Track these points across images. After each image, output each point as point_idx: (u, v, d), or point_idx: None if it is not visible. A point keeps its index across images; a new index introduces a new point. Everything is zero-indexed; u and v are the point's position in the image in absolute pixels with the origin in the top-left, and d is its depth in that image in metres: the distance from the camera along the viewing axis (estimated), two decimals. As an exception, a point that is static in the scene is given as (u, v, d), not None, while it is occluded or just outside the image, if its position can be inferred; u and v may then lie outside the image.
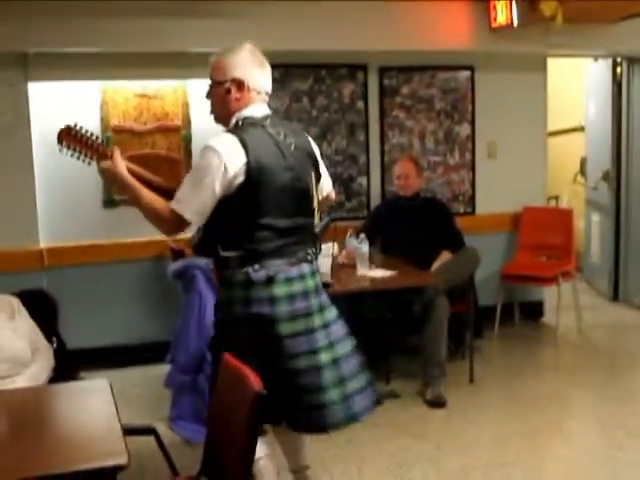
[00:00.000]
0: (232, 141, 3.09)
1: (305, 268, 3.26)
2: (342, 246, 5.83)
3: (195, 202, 3.05)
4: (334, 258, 5.55)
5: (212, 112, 3.33)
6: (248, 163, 3.06)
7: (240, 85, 3.20)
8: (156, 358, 5.63)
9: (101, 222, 6.31)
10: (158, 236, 6.19)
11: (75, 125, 3.21)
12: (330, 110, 6.96)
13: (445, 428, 5.04)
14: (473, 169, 7.38)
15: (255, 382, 2.70)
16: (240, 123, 3.19)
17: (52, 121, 6.07)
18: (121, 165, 3.14)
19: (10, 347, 3.57)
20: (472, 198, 7.41)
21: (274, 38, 6.11)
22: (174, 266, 5.29)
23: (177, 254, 5.69)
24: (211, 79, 3.30)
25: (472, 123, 7.34)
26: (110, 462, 2.47)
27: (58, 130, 3.19)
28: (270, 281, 3.14)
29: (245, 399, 2.69)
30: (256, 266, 3.13)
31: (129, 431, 2.86)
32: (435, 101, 7.23)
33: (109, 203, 6.34)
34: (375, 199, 7.09)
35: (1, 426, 2.95)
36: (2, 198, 5.97)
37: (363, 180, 7.10)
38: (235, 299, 3.16)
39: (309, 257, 3.30)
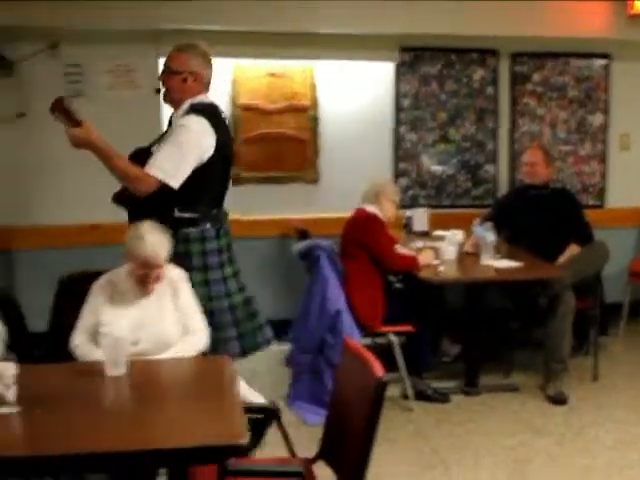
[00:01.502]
0: (205, 122, 3.78)
1: (228, 226, 4.09)
2: (468, 234, 5.74)
3: (180, 172, 3.70)
4: (460, 246, 5.48)
5: (166, 94, 3.99)
6: (217, 140, 3.81)
7: (196, 77, 3.91)
8: (278, 336, 5.65)
9: (228, 198, 6.37)
10: (283, 215, 6.34)
11: (64, 98, 3.66)
12: (459, 95, 6.85)
13: (565, 425, 4.91)
14: (604, 160, 7.15)
15: (377, 369, 2.67)
16: (199, 107, 3.84)
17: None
18: (94, 132, 3.63)
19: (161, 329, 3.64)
20: (602, 191, 7.18)
21: (404, 21, 6.05)
22: (299, 246, 5.31)
23: (302, 234, 5.71)
24: (169, 67, 3.94)
25: (605, 113, 7.10)
26: (230, 441, 2.48)
27: (53, 100, 3.61)
28: (217, 235, 3.96)
29: (367, 385, 2.67)
30: (208, 224, 3.89)
31: (249, 410, 2.88)
32: (568, 89, 7.02)
33: (235, 180, 6.40)
34: (502, 187, 6.96)
35: (129, 394, 3.03)
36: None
37: (490, 168, 6.97)
38: (192, 252, 3.86)
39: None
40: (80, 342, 3.57)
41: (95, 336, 3.52)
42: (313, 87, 6.50)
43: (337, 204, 6.29)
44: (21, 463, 2.39)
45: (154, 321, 3.58)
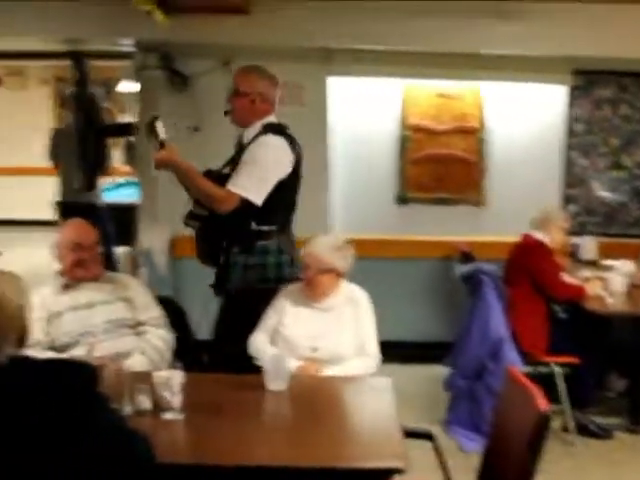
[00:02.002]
0: (284, 141, 3.92)
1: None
2: (639, 265, 5.52)
3: (263, 190, 3.82)
4: (630, 277, 5.27)
5: (234, 115, 4.04)
6: (295, 159, 3.95)
7: (264, 98, 3.98)
8: (437, 358, 5.60)
9: (392, 218, 6.40)
10: (447, 236, 6.28)
11: (157, 118, 3.82)
12: (633, 120, 6.60)
13: None
14: None
15: (541, 402, 2.60)
16: (275, 127, 3.95)
17: (349, 115, 6.26)
18: (176, 153, 3.77)
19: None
20: None
21: (578, 43, 5.88)
22: (462, 269, 5.25)
23: (466, 257, 5.64)
24: (238, 89, 3.99)
25: None
26: (389, 464, 2.47)
27: (150, 118, 3.80)
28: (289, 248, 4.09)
29: (529, 418, 2.60)
30: (282, 237, 4.02)
31: (407, 433, 2.85)
32: None
33: (401, 200, 6.42)
34: (677, 218, 6.66)
35: (289, 409, 3.07)
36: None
37: (665, 197, 6.68)
38: (269, 264, 3.97)
39: None
40: (258, 339, 3.75)
41: (274, 336, 3.73)
42: (482, 108, 6.42)
43: (503, 228, 6.18)
44: (184, 470, 2.46)
45: (333, 334, 3.69)
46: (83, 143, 6.11)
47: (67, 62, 10.13)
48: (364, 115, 6.35)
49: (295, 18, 5.65)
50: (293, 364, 3.45)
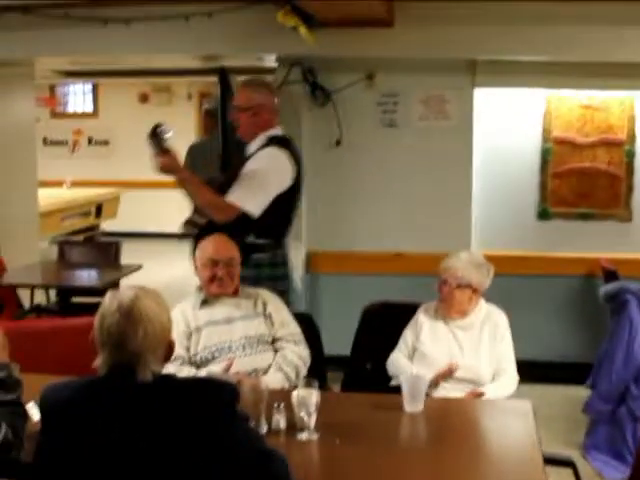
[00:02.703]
0: (286, 154, 3.97)
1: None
2: None
3: (261, 202, 3.89)
4: None
5: (240, 131, 4.14)
6: (295, 172, 3.98)
7: (265, 109, 4.06)
8: (576, 379, 5.41)
9: (533, 234, 6.24)
10: (591, 253, 6.07)
11: (162, 126, 3.88)
12: None
13: None
14: None
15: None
16: (278, 140, 4.02)
17: (490, 128, 6.14)
18: (178, 160, 3.88)
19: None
20: None
21: None
22: (606, 287, 5.05)
23: (610, 275, 5.43)
24: (238, 105, 4.09)
25: None
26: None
27: (155, 125, 3.84)
28: (284, 262, 4.19)
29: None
30: (277, 251, 4.09)
31: (546, 459, 2.75)
32: None
33: (543, 215, 6.25)
34: None
35: (425, 433, 3.01)
36: (439, 199, 6.12)
37: None
38: (262, 277, 3.99)
39: None
40: (395, 357, 3.74)
41: (412, 355, 3.71)
42: (632, 119, 6.17)
43: (650, 245, 5.94)
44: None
45: (471, 352, 3.65)
46: (225, 157, 6.20)
47: (211, 78, 10.48)
48: (505, 127, 6.22)
49: (440, 30, 5.58)
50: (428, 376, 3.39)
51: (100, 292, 6.19)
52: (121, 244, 6.72)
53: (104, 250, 6.76)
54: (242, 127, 4.17)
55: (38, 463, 2.30)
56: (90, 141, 13.12)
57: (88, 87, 13.12)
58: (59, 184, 10.75)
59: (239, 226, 3.94)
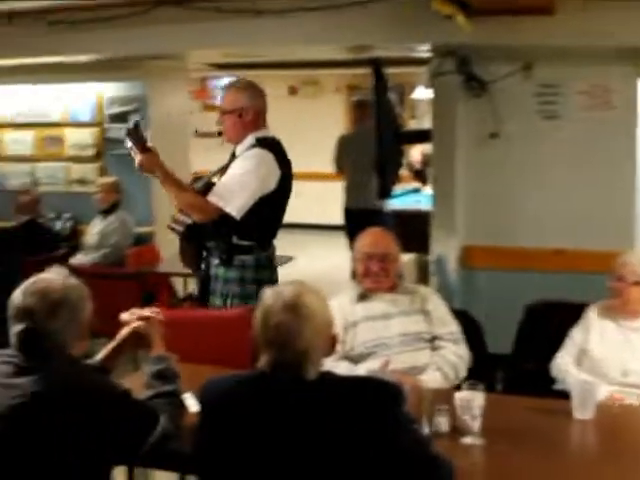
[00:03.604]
0: (271, 157, 3.86)
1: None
2: None
3: (243, 203, 3.79)
4: None
5: (226, 134, 4.02)
6: (281, 175, 3.89)
7: (249, 111, 3.93)
8: None
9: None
10: None
11: (139, 122, 3.79)
12: None
13: None
14: None
15: None
16: (265, 142, 3.90)
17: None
18: (159, 160, 3.75)
19: None
20: None
21: None
22: None
23: None
24: (223, 108, 4.00)
25: None
26: None
27: (131, 125, 3.72)
28: (270, 265, 4.08)
29: None
30: (262, 253, 4.00)
31: None
32: None
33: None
34: None
35: (596, 443, 2.84)
36: (601, 194, 5.83)
37: None
38: (246, 279, 3.94)
39: None
40: (563, 360, 3.55)
41: (580, 357, 3.52)
42: None
43: None
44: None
45: None
46: (381, 150, 6.11)
47: (360, 70, 10.42)
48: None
49: (603, 17, 5.28)
50: (602, 390, 3.18)
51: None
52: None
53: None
54: (227, 129, 4.04)
55: (196, 456, 2.27)
56: (241, 132, 13.31)
57: (238, 80, 13.32)
58: (210, 176, 10.95)
59: (222, 227, 3.90)
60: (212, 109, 13.37)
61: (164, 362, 2.72)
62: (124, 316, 2.88)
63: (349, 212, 7.68)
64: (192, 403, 2.85)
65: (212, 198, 3.86)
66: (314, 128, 12.27)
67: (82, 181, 7.77)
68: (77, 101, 7.74)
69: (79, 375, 2.43)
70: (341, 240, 7.96)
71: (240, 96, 3.99)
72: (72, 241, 7.21)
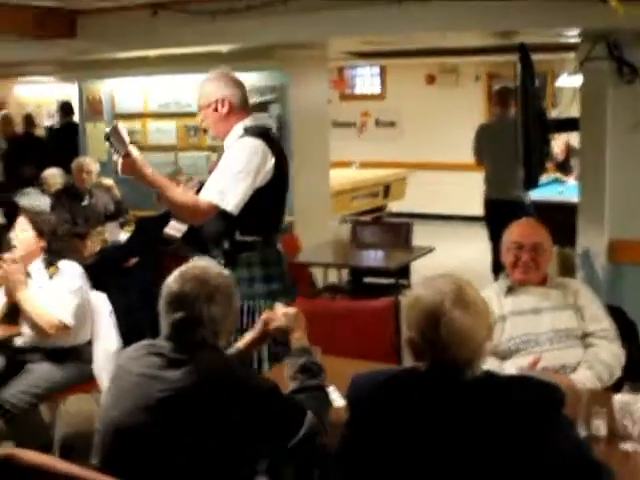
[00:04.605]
0: (263, 144, 3.57)
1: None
2: None
3: (238, 196, 3.50)
4: None
5: (211, 130, 3.77)
6: (276, 163, 3.59)
7: (224, 101, 3.65)
8: None
9: None
10: None
11: (120, 126, 3.46)
12: None
13: None
14: None
15: None
16: (254, 130, 3.61)
17: None
18: (143, 162, 3.44)
19: None
20: None
21: None
22: None
23: None
24: (199, 105, 3.74)
25: None
26: None
27: (109, 129, 3.43)
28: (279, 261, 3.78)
29: None
30: (269, 248, 3.71)
31: None
32: None
33: None
34: None
35: None
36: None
37: None
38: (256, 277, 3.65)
39: None
40: None
41: None
42: None
43: None
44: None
45: None
46: (527, 139, 5.92)
47: (501, 58, 10.17)
48: None
49: None
50: None
51: (391, 273, 6.17)
52: (412, 226, 6.63)
53: (395, 231, 6.70)
54: (211, 126, 3.76)
55: (343, 453, 2.21)
56: (377, 122, 13.23)
57: (375, 69, 13.23)
58: (347, 165, 10.91)
59: (221, 224, 3.61)
60: (350, 99, 13.40)
61: (308, 355, 2.68)
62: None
63: (490, 203, 7.50)
64: (335, 397, 2.81)
65: (204, 195, 3.57)
66: (453, 117, 12.06)
67: (222, 170, 7.83)
68: (219, 91, 7.82)
69: (227, 368, 2.42)
70: (481, 231, 7.80)
71: (210, 89, 3.72)
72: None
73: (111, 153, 3.52)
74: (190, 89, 7.92)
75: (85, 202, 6.97)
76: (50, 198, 7.27)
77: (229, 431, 2.25)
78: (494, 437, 1.98)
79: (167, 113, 8.03)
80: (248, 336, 2.86)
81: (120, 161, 3.46)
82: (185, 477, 2.27)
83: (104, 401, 2.52)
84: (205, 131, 3.91)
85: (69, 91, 11.88)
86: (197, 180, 3.91)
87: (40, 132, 11.20)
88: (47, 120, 12.70)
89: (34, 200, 7.43)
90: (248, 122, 3.69)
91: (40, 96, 13.00)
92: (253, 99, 7.66)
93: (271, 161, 3.61)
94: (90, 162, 7.16)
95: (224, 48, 6.98)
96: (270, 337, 2.88)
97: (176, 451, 2.25)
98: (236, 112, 3.70)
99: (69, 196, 7.01)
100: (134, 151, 3.43)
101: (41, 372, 4.20)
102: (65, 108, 10.22)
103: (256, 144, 3.58)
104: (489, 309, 2.16)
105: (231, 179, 3.53)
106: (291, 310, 2.84)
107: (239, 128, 3.67)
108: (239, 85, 3.76)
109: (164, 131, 8.02)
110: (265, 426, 2.31)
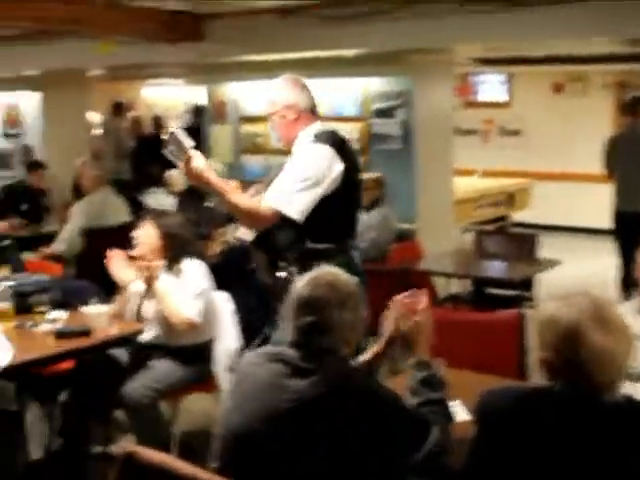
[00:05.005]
0: (330, 150, 3.47)
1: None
2: None
3: (303, 203, 3.41)
4: None
5: (280, 139, 3.70)
6: (345, 168, 3.49)
7: (291, 108, 3.57)
8: None
9: None
10: None
11: (177, 130, 3.42)
12: None
13: None
14: None
15: None
16: (322, 136, 3.52)
17: None
18: (204, 167, 3.39)
19: None
20: None
21: None
22: None
23: None
24: (267, 114, 3.68)
25: None
26: None
27: (173, 129, 3.41)
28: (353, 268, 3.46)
29: None
30: (342, 256, 3.53)
31: None
32: None
33: None
34: None
35: None
36: None
37: None
38: None
39: None
40: None
41: None
42: None
43: None
44: None
45: None
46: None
47: (629, 66, 9.83)
48: None
49: None
50: None
51: (514, 285, 6.02)
52: (538, 237, 6.44)
53: (519, 242, 6.52)
54: (279, 133, 3.68)
55: (471, 470, 2.13)
56: (501, 130, 13.00)
57: (501, 76, 12.99)
58: (469, 173, 10.75)
59: (289, 231, 3.50)
60: (474, 106, 13.20)
61: (430, 368, 2.60)
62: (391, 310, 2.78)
63: (620, 215, 7.24)
64: (459, 411, 2.73)
65: (268, 201, 3.50)
66: (580, 127, 11.75)
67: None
68: (343, 95, 7.83)
69: (354, 379, 2.37)
70: (606, 245, 7.53)
71: (278, 95, 3.66)
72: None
73: (173, 161, 3.45)
74: (315, 93, 7.94)
75: (209, 203, 7.06)
76: (175, 198, 7.42)
77: (354, 444, 2.20)
78: (632, 464, 1.88)
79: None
80: (375, 346, 2.80)
81: (182, 167, 3.43)
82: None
83: (226, 405, 2.51)
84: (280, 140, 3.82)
85: (195, 94, 12.17)
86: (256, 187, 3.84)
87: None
88: (174, 122, 13.03)
89: (160, 200, 7.59)
90: (317, 128, 3.62)
91: (168, 98, 13.32)
92: (378, 104, 7.66)
93: (339, 168, 3.51)
94: (214, 164, 7.25)
95: (350, 53, 6.98)
96: (395, 347, 2.80)
97: (299, 461, 2.22)
98: (304, 118, 3.62)
99: (193, 197, 7.12)
100: (196, 156, 3.39)
101: (163, 369, 4.26)
102: (197, 111, 10.44)
103: (324, 150, 3.50)
104: (629, 329, 2.05)
105: (296, 185, 3.45)
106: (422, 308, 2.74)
107: (308, 134, 3.59)
108: (307, 90, 3.69)
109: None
110: (390, 440, 2.25)
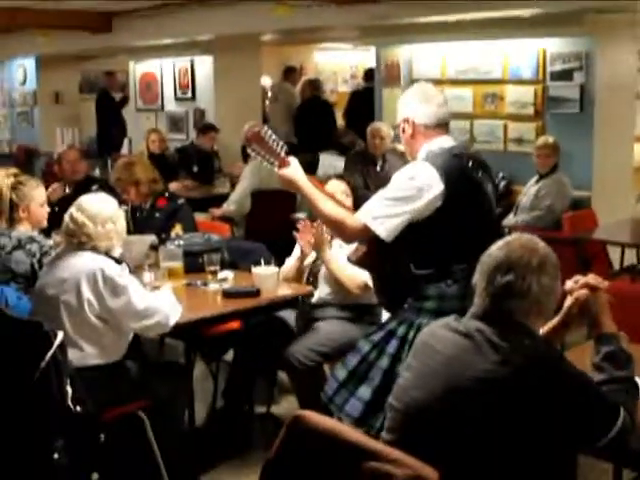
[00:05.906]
0: (430, 169, 3.19)
1: None
2: None
3: (390, 223, 3.18)
4: None
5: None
6: (447, 191, 3.17)
7: (408, 121, 3.35)
8: None
9: None
10: None
11: (265, 130, 3.27)
12: None
13: None
14: None
15: None
16: (431, 154, 3.26)
17: None
18: (299, 172, 3.28)
19: None
20: None
21: None
22: None
23: None
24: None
25: None
26: None
27: (248, 132, 2.90)
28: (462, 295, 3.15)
29: None
30: (449, 281, 3.23)
31: None
32: None
33: None
34: None
35: None
36: None
37: None
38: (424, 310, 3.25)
39: None
40: None
41: None
42: None
43: None
44: None
45: None
46: None
47: None
48: None
49: None
50: None
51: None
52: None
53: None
54: (405, 149, 3.48)
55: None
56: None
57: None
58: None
59: (389, 252, 3.26)
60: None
61: (615, 342, 2.43)
62: (568, 284, 2.62)
63: None
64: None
65: (360, 214, 3.28)
66: None
67: (519, 140, 7.66)
68: (519, 57, 7.58)
69: (544, 357, 2.24)
70: None
71: (400, 107, 3.43)
72: (505, 201, 7.10)
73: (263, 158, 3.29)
74: (489, 55, 7.72)
75: (378, 168, 6.99)
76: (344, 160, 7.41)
77: (542, 425, 2.08)
78: None
79: (465, 80, 7.90)
80: (555, 319, 2.64)
81: (280, 172, 3.31)
82: (489, 468, 2.13)
83: (404, 377, 2.43)
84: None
85: (364, 58, 12.07)
86: None
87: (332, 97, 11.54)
88: (341, 86, 13.02)
89: (332, 161, 7.61)
90: (439, 145, 3.33)
91: (336, 62, 13.30)
92: (555, 66, 7.35)
93: (438, 189, 3.20)
94: (384, 127, 7.15)
95: (526, 13, 6.71)
96: (577, 320, 2.63)
97: (484, 440, 2.12)
98: (422, 133, 3.37)
99: (363, 160, 7.07)
100: (291, 159, 3.29)
101: (330, 331, 4.22)
102: (369, 74, 10.37)
103: (422, 171, 3.23)
104: None
105: (388, 203, 3.24)
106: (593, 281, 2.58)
107: (426, 151, 3.34)
108: (430, 102, 3.38)
109: (461, 98, 7.86)
110: (579, 421, 2.11)
